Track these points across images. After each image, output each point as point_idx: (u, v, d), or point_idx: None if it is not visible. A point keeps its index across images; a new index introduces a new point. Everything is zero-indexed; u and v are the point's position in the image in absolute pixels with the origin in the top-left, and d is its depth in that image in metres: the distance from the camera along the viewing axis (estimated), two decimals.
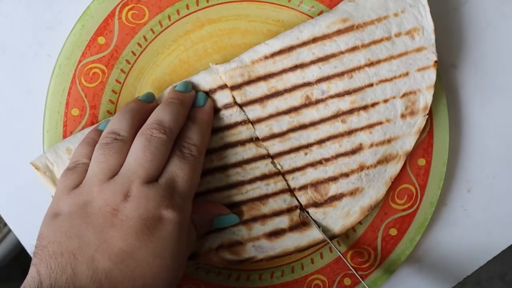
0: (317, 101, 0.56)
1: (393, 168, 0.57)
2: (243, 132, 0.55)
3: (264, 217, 0.56)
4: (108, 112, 0.58)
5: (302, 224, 0.56)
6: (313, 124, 0.56)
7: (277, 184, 0.56)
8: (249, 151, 0.55)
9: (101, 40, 0.57)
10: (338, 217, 0.57)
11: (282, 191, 0.56)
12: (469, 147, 0.63)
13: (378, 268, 0.60)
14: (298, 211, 0.56)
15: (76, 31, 0.56)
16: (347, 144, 0.56)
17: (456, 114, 0.62)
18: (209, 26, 0.58)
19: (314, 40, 0.55)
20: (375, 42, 0.55)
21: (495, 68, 0.62)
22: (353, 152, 0.56)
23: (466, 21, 0.61)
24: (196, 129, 0.52)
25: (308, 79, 0.55)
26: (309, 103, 0.56)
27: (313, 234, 0.56)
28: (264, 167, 0.55)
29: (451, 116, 0.62)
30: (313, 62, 0.55)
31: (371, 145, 0.56)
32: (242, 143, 0.55)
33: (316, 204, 0.57)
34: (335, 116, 0.56)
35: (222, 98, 0.55)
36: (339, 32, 0.55)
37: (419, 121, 0.56)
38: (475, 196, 0.63)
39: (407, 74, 0.55)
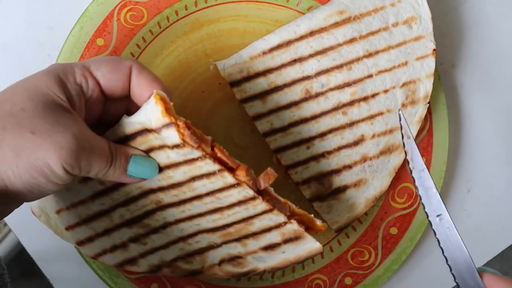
0: (317, 94, 0.54)
1: (397, 159, 0.55)
2: (203, 167, 0.47)
3: (255, 234, 0.52)
4: None
5: (296, 238, 0.52)
6: (314, 117, 0.54)
7: (256, 207, 0.50)
8: (217, 182, 0.48)
9: (100, 41, 0.55)
10: (343, 210, 0.55)
11: (264, 212, 0.50)
12: (469, 147, 0.61)
13: (379, 267, 0.58)
14: (287, 226, 0.51)
15: (74, 33, 0.55)
16: (348, 136, 0.54)
17: (456, 113, 0.61)
18: (208, 27, 0.56)
19: (312, 33, 0.54)
20: (372, 33, 0.54)
21: (494, 67, 0.61)
22: (355, 143, 0.55)
23: (466, 21, 0.61)
24: None
25: (307, 72, 0.54)
26: (309, 97, 0.54)
27: (309, 245, 0.52)
28: (237, 194, 0.49)
29: (451, 116, 0.60)
30: (311, 56, 0.54)
31: (373, 136, 0.55)
32: (207, 175, 0.48)
33: (320, 198, 0.55)
34: (335, 109, 0.54)
35: (170, 137, 0.46)
36: (336, 25, 0.53)
37: (420, 110, 0.55)
38: (475, 196, 0.62)
39: (406, 63, 0.54)
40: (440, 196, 0.46)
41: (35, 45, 0.58)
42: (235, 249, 0.52)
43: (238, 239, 0.52)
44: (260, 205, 0.49)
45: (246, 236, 0.51)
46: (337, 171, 0.55)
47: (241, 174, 0.49)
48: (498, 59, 0.61)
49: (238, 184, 0.48)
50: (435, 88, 0.55)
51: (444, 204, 0.59)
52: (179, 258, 0.53)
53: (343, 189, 0.55)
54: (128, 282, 0.55)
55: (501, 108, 0.61)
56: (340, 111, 0.54)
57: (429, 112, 0.57)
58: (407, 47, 0.54)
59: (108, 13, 0.54)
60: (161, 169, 0.48)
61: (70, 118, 0.41)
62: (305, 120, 0.54)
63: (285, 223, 0.50)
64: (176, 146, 0.46)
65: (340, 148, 0.54)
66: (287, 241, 0.51)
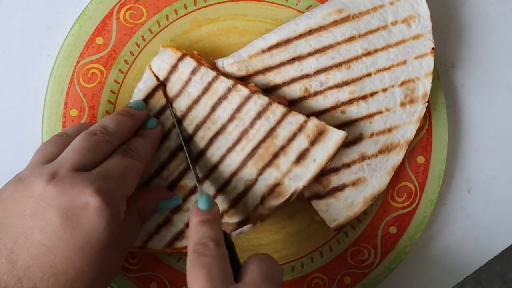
0: (316, 93, 0.54)
1: (395, 158, 0.55)
2: (219, 88, 0.52)
3: (283, 148, 0.53)
4: (107, 113, 0.55)
5: (320, 133, 0.52)
6: (312, 116, 0.53)
7: (275, 112, 0.52)
8: (234, 100, 0.52)
9: (99, 40, 0.55)
10: (342, 208, 0.55)
11: (284, 116, 0.52)
12: (469, 147, 0.61)
13: (378, 266, 0.58)
14: (308, 124, 0.52)
15: (74, 31, 0.54)
16: None
17: (456, 113, 0.61)
18: (207, 25, 0.56)
19: (311, 32, 0.53)
20: (371, 32, 0.53)
21: (495, 67, 0.61)
22: (354, 142, 0.54)
23: (466, 21, 0.60)
24: (142, 142, 0.50)
25: (306, 71, 0.54)
26: (308, 95, 0.54)
27: (334, 137, 0.52)
28: (254, 105, 0.52)
29: (451, 116, 0.60)
30: (310, 54, 0.53)
31: (372, 135, 0.54)
32: (224, 97, 0.53)
33: (318, 196, 0.55)
34: (334, 107, 0.54)
35: (186, 67, 0.53)
36: (335, 23, 0.53)
37: (419, 109, 0.55)
38: (475, 196, 0.62)
39: (404, 62, 0.54)
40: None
41: (35, 45, 0.58)
42: (271, 176, 0.53)
43: (270, 163, 0.53)
44: (277, 109, 0.52)
45: (276, 155, 0.53)
46: (336, 170, 0.54)
47: (251, 86, 0.53)
48: (498, 59, 0.60)
49: (253, 93, 0.52)
50: (434, 87, 0.55)
51: (444, 204, 0.60)
52: (223, 213, 0.53)
53: (341, 187, 0.54)
54: (128, 281, 0.55)
55: (501, 108, 0.61)
56: (339, 109, 0.54)
57: (428, 111, 0.56)
58: (406, 45, 0.53)
59: (108, 12, 0.54)
60: (183, 117, 0.53)
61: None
62: None
63: (306, 121, 0.52)
64: (193, 72, 0.52)
65: None
66: (313, 142, 0.52)
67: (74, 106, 0.55)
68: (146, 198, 0.51)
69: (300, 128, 0.52)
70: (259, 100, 0.52)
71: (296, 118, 0.52)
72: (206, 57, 0.55)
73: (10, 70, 0.58)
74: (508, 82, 0.61)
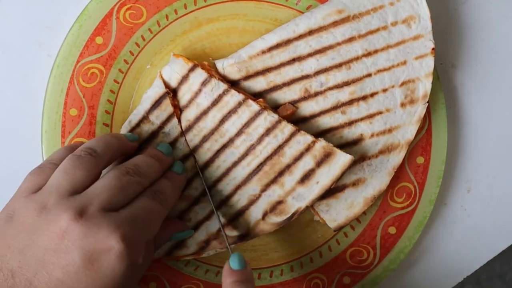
0: (316, 94, 0.54)
1: (396, 158, 0.55)
2: (230, 101, 0.52)
3: (289, 167, 0.53)
4: (106, 112, 0.55)
5: (326, 155, 0.52)
6: (313, 116, 0.54)
7: (284, 131, 0.52)
8: (243, 114, 0.52)
9: (99, 40, 0.55)
10: (342, 209, 0.55)
11: (292, 135, 0.52)
12: (469, 147, 0.61)
13: (377, 266, 0.58)
14: (316, 145, 0.52)
15: (74, 31, 0.54)
16: (347, 135, 0.54)
17: (456, 113, 0.61)
18: (207, 25, 0.56)
19: (311, 32, 0.53)
20: (371, 32, 0.53)
21: (495, 68, 0.61)
22: (354, 143, 0.54)
23: (466, 21, 0.60)
24: (170, 186, 0.50)
25: (306, 71, 0.54)
26: (308, 96, 0.54)
27: (341, 160, 0.52)
28: (264, 121, 0.52)
29: (451, 116, 0.60)
30: (310, 55, 0.53)
31: (372, 135, 0.54)
32: (234, 111, 0.53)
33: None
34: (334, 108, 0.54)
35: (197, 78, 0.53)
36: (335, 24, 0.53)
37: (419, 109, 0.55)
38: (475, 196, 0.62)
39: (405, 62, 0.54)
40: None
41: (35, 45, 0.58)
42: (274, 193, 0.53)
43: (274, 180, 0.53)
44: (286, 127, 0.52)
45: (281, 173, 0.53)
46: None
47: (261, 101, 0.53)
48: (498, 59, 0.61)
49: (263, 109, 0.52)
50: (434, 88, 0.55)
51: (444, 204, 0.60)
52: (224, 226, 0.53)
53: (341, 188, 0.55)
54: None
55: (501, 108, 0.61)
56: (339, 110, 0.54)
57: (428, 111, 0.56)
58: (406, 46, 0.53)
59: (107, 11, 0.54)
60: (190, 127, 0.53)
61: None
62: (304, 120, 0.54)
63: (314, 142, 0.52)
64: (204, 83, 0.52)
65: (339, 148, 0.53)
66: (319, 163, 0.52)
67: (73, 105, 0.54)
68: (163, 231, 0.51)
69: (308, 148, 0.52)
70: (269, 117, 0.52)
71: (304, 138, 0.52)
72: (206, 57, 0.56)
73: (10, 70, 0.58)
74: (508, 82, 0.61)
